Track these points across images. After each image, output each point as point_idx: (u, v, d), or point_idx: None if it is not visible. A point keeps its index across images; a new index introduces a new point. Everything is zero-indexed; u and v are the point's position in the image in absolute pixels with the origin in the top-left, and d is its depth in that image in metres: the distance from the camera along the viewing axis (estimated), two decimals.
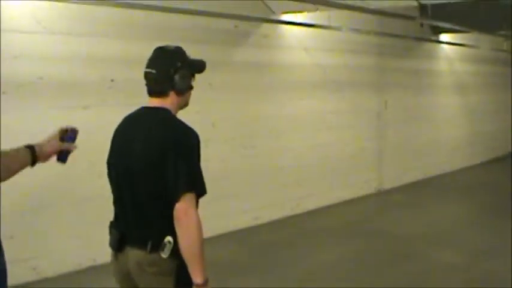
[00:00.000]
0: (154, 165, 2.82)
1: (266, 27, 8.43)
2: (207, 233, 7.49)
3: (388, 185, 11.05)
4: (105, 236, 3.06)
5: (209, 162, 7.42)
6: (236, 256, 7.01)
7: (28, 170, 5.13)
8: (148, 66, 2.99)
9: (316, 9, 7.98)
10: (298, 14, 8.45)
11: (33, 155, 2.76)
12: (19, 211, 5.80)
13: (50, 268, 6.13)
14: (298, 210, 8.95)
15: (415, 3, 6.99)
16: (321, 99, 9.63)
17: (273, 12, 8.39)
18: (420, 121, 12.31)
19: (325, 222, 8.64)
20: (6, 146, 5.58)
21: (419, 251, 7.18)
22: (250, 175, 8.29)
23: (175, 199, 2.78)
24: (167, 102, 2.98)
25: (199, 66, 3.09)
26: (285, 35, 8.81)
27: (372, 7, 7.21)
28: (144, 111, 3.03)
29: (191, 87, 3.05)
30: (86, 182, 6.25)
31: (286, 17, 8.53)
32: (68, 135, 2.96)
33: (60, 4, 5.85)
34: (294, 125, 9.09)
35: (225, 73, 7.88)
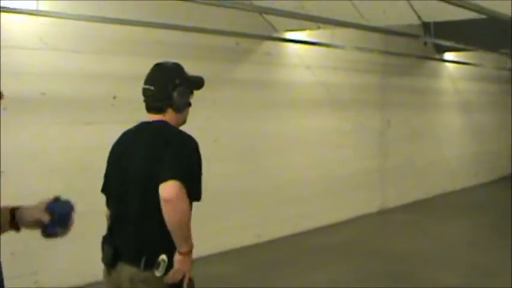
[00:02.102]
0: (153, 176, 2.81)
1: (268, 44, 8.44)
2: (208, 250, 7.52)
3: (390, 204, 11.00)
4: None
5: (211, 179, 7.42)
6: (235, 274, 6.95)
7: (30, 180, 5.10)
8: (146, 83, 3.00)
9: (318, 28, 7.98)
10: (301, 32, 8.45)
11: (12, 221, 2.43)
12: None
13: (52, 282, 6.09)
14: (300, 228, 8.89)
15: (418, 22, 7.00)
16: (323, 117, 9.61)
17: (275, 30, 8.40)
18: (423, 140, 12.30)
19: (326, 240, 8.59)
20: (8, 163, 5.65)
21: (419, 271, 7.13)
22: (252, 192, 8.25)
23: (162, 181, 2.74)
24: (165, 118, 2.99)
25: (197, 83, 3.11)
26: (287, 53, 8.82)
27: (374, 25, 7.21)
28: (143, 125, 3.04)
29: (189, 104, 3.05)
30: (89, 196, 6.22)
31: (288, 35, 8.54)
32: (57, 212, 2.51)
33: (63, 21, 5.86)
34: (296, 143, 9.07)
35: (227, 90, 7.89)
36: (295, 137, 9.05)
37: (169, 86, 2.97)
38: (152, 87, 3.00)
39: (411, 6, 6.71)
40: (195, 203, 2.94)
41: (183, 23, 6.78)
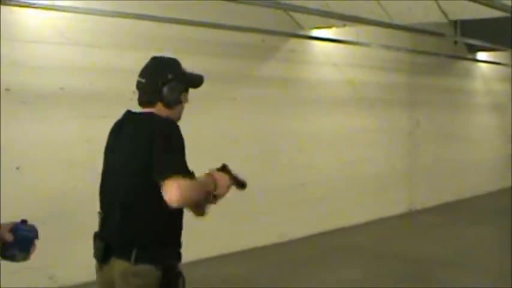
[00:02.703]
0: (140, 168, 2.77)
1: (294, 42, 8.35)
2: (230, 248, 7.45)
3: (419, 205, 10.82)
4: None
5: None
6: (254, 273, 6.89)
7: (49, 175, 5.03)
8: (140, 75, 2.96)
9: (344, 25, 7.88)
10: (326, 30, 8.34)
11: None
12: (40, 218, 5.79)
13: (68, 277, 6.10)
14: (324, 228, 8.77)
15: (444, 20, 6.84)
16: (350, 116, 9.49)
17: (301, 27, 8.31)
18: (454, 141, 12.07)
19: (349, 241, 8.47)
20: (25, 157, 5.66)
21: (441, 274, 6.94)
22: (274, 192, 8.16)
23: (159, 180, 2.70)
24: (155, 112, 2.93)
25: (194, 81, 3.04)
26: (313, 51, 8.72)
27: (399, 23, 7.08)
28: (130, 116, 2.99)
29: (181, 101, 2.97)
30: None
31: (314, 32, 8.44)
32: (22, 235, 2.41)
33: (83, 16, 5.87)
34: (321, 142, 8.96)
35: (250, 88, 7.83)
36: (321, 136, 8.94)
37: (160, 79, 2.91)
38: (143, 80, 2.96)
39: (437, 3, 6.56)
40: None
41: (206, 20, 6.73)
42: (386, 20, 7.10)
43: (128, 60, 6.51)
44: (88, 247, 6.16)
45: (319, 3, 7.23)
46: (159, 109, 2.92)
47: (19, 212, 5.59)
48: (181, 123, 2.98)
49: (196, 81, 3.05)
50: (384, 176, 10.08)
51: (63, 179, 5.93)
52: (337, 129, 9.26)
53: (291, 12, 7.92)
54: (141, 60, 6.57)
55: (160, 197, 2.66)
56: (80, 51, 6.04)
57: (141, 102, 2.98)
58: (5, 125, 5.52)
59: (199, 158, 7.05)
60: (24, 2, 5.40)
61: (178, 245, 2.94)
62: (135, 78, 6.75)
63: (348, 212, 9.31)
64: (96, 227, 2.95)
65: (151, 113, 2.92)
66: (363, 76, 9.60)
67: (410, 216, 10.48)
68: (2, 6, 5.34)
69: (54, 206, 5.91)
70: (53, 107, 5.88)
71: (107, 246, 2.84)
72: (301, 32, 8.32)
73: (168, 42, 6.81)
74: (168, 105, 2.92)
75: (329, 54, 8.93)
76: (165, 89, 2.89)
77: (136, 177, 2.79)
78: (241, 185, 3.17)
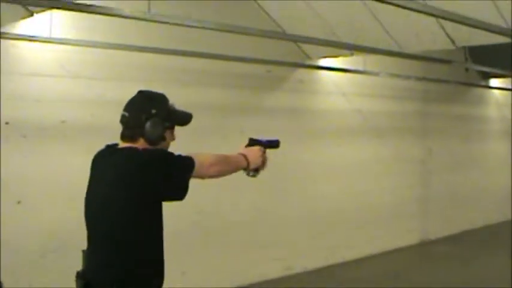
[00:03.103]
0: (121, 205, 2.72)
1: (301, 72, 8.27)
2: (235, 282, 7.32)
3: (432, 235, 10.61)
4: None
5: (239, 208, 7.38)
6: None
7: (50, 209, 4.91)
8: (124, 109, 2.89)
9: (352, 54, 7.78)
10: (334, 59, 8.25)
11: None
12: (40, 252, 5.72)
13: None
14: (333, 260, 8.61)
15: (452, 47, 6.73)
16: (361, 145, 9.37)
17: (309, 57, 8.23)
18: (468, 169, 11.87)
19: (360, 273, 8.29)
20: (26, 191, 5.61)
21: None
22: (282, 222, 8.03)
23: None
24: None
25: (180, 118, 2.97)
26: (321, 80, 8.64)
27: (407, 52, 6.97)
28: (111, 150, 2.92)
29: (164, 138, 2.89)
30: None
31: (322, 62, 8.36)
32: None
33: (83, 48, 5.84)
34: (331, 172, 8.83)
35: (257, 118, 7.73)
36: (330, 166, 8.81)
37: (143, 114, 2.84)
38: (127, 114, 2.89)
39: (444, 29, 6.45)
40: None
41: (210, 51, 6.66)
42: (395, 48, 6.99)
43: (130, 92, 6.34)
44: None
45: (326, 30, 7.19)
46: (141, 145, 2.84)
47: (20, 245, 5.58)
48: None
49: (183, 118, 2.98)
50: (396, 205, 9.90)
51: (64, 213, 5.83)
52: (347, 159, 9.13)
53: (298, 42, 7.86)
54: None
55: (142, 233, 2.62)
56: (81, 83, 6.00)
57: (123, 137, 2.90)
58: (5, 158, 5.48)
59: (206, 189, 7.03)
60: (24, 35, 5.38)
61: (160, 280, 2.85)
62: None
63: (360, 243, 9.13)
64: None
65: (132, 147, 2.84)
66: (372, 105, 9.49)
67: (423, 246, 10.27)
68: (2, 40, 5.32)
69: (55, 240, 5.84)
70: (54, 140, 5.82)
71: (86, 285, 2.76)
72: (309, 62, 8.24)
73: (171, 74, 6.77)
74: (150, 141, 2.84)
75: (338, 83, 8.84)
76: (147, 125, 2.81)
77: (117, 214, 2.71)
78: (274, 145, 3.42)
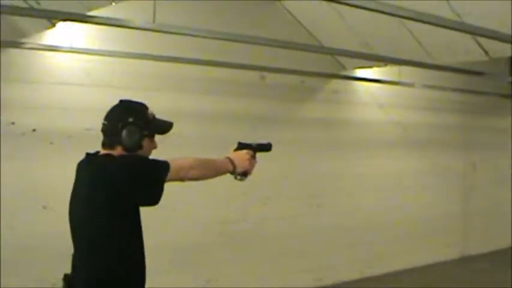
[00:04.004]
0: (97, 213, 2.78)
1: (335, 82, 8.22)
2: None
3: (473, 251, 10.34)
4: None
5: (267, 218, 7.36)
6: None
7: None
8: (104, 118, 2.93)
9: (386, 65, 7.70)
10: (369, 69, 8.18)
11: None
12: (67, 256, 5.81)
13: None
14: (367, 273, 8.49)
15: (486, 58, 6.58)
16: (398, 158, 9.23)
17: (343, 68, 8.18)
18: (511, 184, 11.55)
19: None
20: (52, 197, 5.72)
21: None
22: (315, 234, 7.98)
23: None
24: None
25: (159, 127, 2.98)
26: (356, 91, 8.56)
27: (439, 63, 6.86)
28: (90, 158, 2.96)
29: (141, 146, 2.91)
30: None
31: (357, 72, 8.29)
32: None
33: (109, 58, 5.94)
34: (367, 185, 8.72)
35: (289, 129, 7.72)
36: (365, 178, 8.71)
37: (119, 123, 2.87)
38: (106, 122, 2.93)
39: (476, 41, 6.32)
40: None
41: (242, 61, 6.69)
42: (427, 59, 6.89)
43: (154, 101, 6.46)
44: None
45: (359, 40, 7.14)
46: (118, 152, 2.88)
47: (46, 251, 5.69)
48: None
49: (162, 127, 3.01)
50: (434, 220, 9.70)
51: None
52: (384, 171, 9.01)
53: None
54: (168, 101, 6.68)
55: (118, 237, 2.73)
56: (107, 92, 6.09)
57: (103, 145, 2.95)
58: (31, 165, 5.61)
59: (233, 199, 7.04)
60: (51, 46, 5.51)
61: (140, 280, 2.88)
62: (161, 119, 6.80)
63: (395, 257, 8.98)
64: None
65: (108, 154, 2.88)
66: (411, 116, 9.34)
67: (463, 262, 10.02)
68: (29, 50, 5.47)
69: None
70: (78, 147, 5.84)
71: (69, 286, 2.90)
72: (344, 73, 8.18)
73: (199, 84, 6.83)
74: (127, 148, 2.87)
75: (374, 94, 8.75)
76: (123, 133, 2.84)
77: (93, 219, 2.77)
78: (266, 149, 3.34)
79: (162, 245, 6.57)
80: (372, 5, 3.65)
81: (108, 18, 4.66)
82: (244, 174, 3.20)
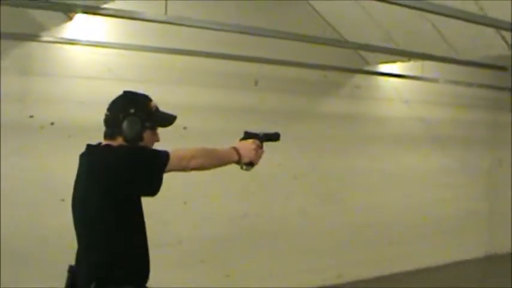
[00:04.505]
0: (98, 204, 2.77)
1: (358, 77, 8.13)
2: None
3: (499, 249, 10.17)
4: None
5: (287, 213, 7.32)
6: None
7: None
8: (107, 109, 2.91)
9: (409, 60, 7.59)
10: (392, 64, 8.07)
11: None
12: None
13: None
14: (388, 271, 8.39)
15: (509, 52, 6.45)
16: (423, 155, 9.10)
17: (367, 62, 8.08)
18: None
19: (416, 285, 8.04)
20: (70, 187, 5.74)
21: None
22: (335, 230, 7.91)
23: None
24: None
25: (162, 120, 2.95)
26: (379, 86, 8.46)
27: (462, 58, 6.74)
28: (90, 149, 2.94)
29: (142, 138, 2.87)
30: (149, 227, 6.22)
31: (380, 67, 8.19)
32: None
33: (129, 52, 5.94)
34: (389, 182, 8.62)
35: (312, 124, 7.67)
36: (388, 175, 8.60)
37: (121, 113, 2.85)
38: (108, 113, 2.91)
39: (500, 34, 6.19)
40: None
41: (263, 55, 6.65)
42: (451, 54, 6.79)
43: (178, 95, 6.52)
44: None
45: (382, 34, 7.05)
46: (119, 143, 2.85)
47: (64, 244, 5.71)
48: None
49: (165, 120, 2.98)
50: (459, 217, 9.57)
51: None
52: (408, 168, 8.90)
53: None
54: (192, 95, 6.66)
55: (117, 228, 2.72)
56: (126, 86, 6.05)
57: (105, 136, 2.94)
58: (50, 158, 5.64)
59: (254, 193, 7.01)
60: (69, 39, 5.52)
61: (142, 274, 2.86)
62: (185, 113, 6.80)
63: (418, 255, 8.87)
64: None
65: (107, 145, 2.86)
66: (435, 112, 9.21)
67: (489, 260, 9.86)
68: (48, 44, 5.49)
69: None
70: (97, 141, 5.92)
71: (72, 280, 2.88)
72: (367, 68, 8.09)
73: (222, 78, 6.80)
74: (127, 139, 2.84)
75: (397, 89, 8.64)
76: (124, 123, 2.82)
77: (92, 210, 2.75)
78: (273, 138, 3.28)
79: (181, 238, 6.58)
80: None
81: (120, 10, 4.65)
82: (251, 164, 3.14)
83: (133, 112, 2.88)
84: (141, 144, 2.91)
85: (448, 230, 9.35)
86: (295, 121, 7.50)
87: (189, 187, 6.42)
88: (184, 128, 6.53)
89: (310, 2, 7.49)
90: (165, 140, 6.60)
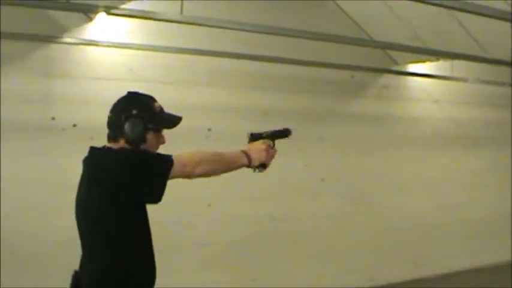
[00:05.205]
0: (97, 210, 2.70)
1: (386, 77, 7.99)
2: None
3: None
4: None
5: (315, 215, 7.21)
6: None
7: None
8: (110, 110, 2.82)
9: (438, 59, 7.44)
10: (421, 64, 7.91)
11: None
12: None
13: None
14: (417, 274, 8.21)
15: None
16: (453, 156, 8.92)
17: (395, 62, 7.94)
18: None
19: None
20: None
21: None
22: (364, 233, 7.76)
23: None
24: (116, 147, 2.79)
25: (166, 121, 2.84)
26: (408, 86, 8.31)
27: (492, 56, 6.57)
28: (93, 152, 2.86)
29: (145, 140, 2.77)
30: (173, 230, 6.18)
31: (409, 67, 8.03)
32: None
33: (153, 53, 5.89)
34: (418, 183, 8.45)
35: (339, 125, 7.56)
36: (418, 177, 8.44)
37: (123, 115, 2.75)
38: (111, 115, 2.83)
39: None
40: None
41: (290, 56, 6.56)
42: (480, 52, 6.62)
43: (202, 96, 6.46)
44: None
45: (409, 33, 6.92)
46: (121, 146, 2.76)
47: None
48: None
49: (169, 121, 2.87)
50: (490, 220, 9.32)
51: None
52: (438, 169, 8.72)
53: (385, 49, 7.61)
54: (217, 96, 6.59)
55: (117, 234, 2.65)
56: (151, 87, 6.01)
57: (108, 138, 2.87)
58: (72, 160, 5.58)
59: (281, 196, 6.92)
60: (91, 40, 5.49)
61: (147, 280, 2.78)
62: (210, 115, 6.73)
63: (447, 259, 8.66)
64: None
65: (109, 148, 2.77)
66: (466, 112, 9.02)
67: None
68: (70, 45, 5.46)
69: None
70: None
71: (76, 283, 2.81)
72: (395, 67, 7.94)
73: (247, 79, 6.72)
74: (129, 142, 2.74)
75: (427, 89, 8.47)
76: (126, 125, 2.73)
77: (93, 215, 2.69)
78: (283, 135, 3.12)
79: (208, 241, 6.52)
80: None
81: (141, 11, 4.60)
82: (262, 166, 3.00)
83: (135, 113, 2.79)
84: (144, 146, 2.81)
85: (478, 232, 9.13)
86: (322, 122, 7.39)
87: (212, 189, 6.33)
88: (209, 129, 6.48)
89: (337, 1, 7.37)
90: (190, 142, 6.55)
